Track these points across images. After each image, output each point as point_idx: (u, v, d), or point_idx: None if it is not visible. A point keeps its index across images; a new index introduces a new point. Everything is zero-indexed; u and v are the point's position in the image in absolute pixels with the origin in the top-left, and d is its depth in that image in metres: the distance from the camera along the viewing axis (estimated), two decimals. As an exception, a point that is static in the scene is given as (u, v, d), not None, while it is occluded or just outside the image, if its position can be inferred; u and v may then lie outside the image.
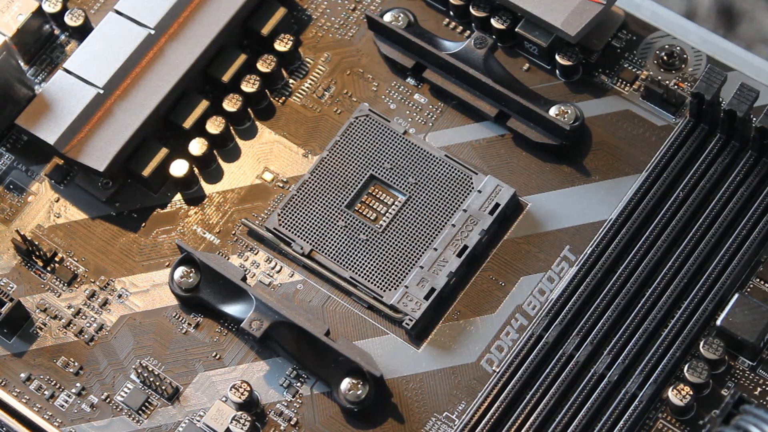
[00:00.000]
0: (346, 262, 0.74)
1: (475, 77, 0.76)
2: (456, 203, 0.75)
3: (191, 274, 0.74)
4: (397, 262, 0.74)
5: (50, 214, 0.78)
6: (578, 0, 0.76)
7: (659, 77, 0.78)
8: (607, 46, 0.79)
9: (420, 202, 0.75)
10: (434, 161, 0.76)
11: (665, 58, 0.78)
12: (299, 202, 0.76)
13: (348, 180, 0.76)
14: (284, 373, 0.73)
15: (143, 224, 0.78)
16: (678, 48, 0.78)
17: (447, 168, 0.76)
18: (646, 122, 0.77)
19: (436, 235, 0.74)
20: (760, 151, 0.73)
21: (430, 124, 0.78)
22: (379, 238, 0.75)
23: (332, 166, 0.77)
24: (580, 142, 0.77)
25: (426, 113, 0.79)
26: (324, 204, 0.76)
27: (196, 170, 0.79)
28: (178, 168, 0.77)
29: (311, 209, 0.76)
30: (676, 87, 0.77)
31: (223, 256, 0.76)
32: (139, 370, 0.73)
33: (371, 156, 0.77)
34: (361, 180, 0.76)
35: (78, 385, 0.74)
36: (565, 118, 0.76)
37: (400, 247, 0.74)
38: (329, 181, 0.76)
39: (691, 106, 0.74)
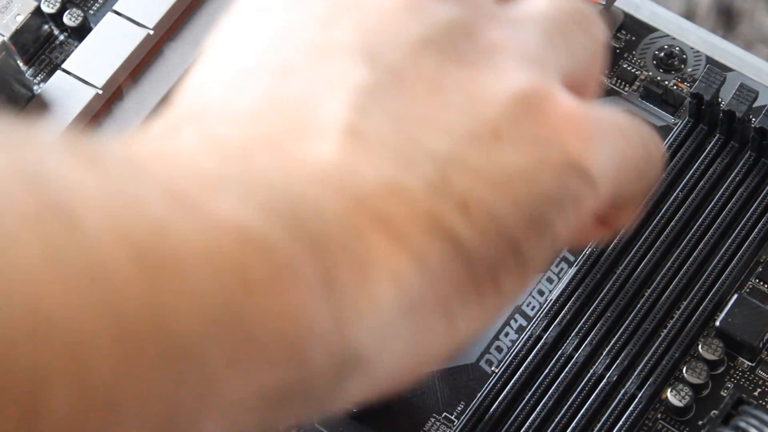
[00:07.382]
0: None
1: (474, 77, 0.76)
2: (455, 204, 0.75)
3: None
4: (395, 263, 0.74)
5: (49, 214, 0.78)
6: (577, 0, 0.75)
7: (658, 77, 0.78)
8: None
9: (419, 203, 0.75)
10: (433, 162, 0.76)
11: (664, 58, 0.78)
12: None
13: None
14: (283, 374, 0.73)
15: (142, 225, 0.77)
16: (677, 48, 0.78)
17: (446, 168, 0.76)
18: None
19: (435, 235, 0.74)
20: (759, 151, 0.73)
21: (429, 125, 0.78)
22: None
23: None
24: (579, 143, 0.77)
25: (425, 113, 0.78)
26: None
27: (195, 171, 0.78)
28: (177, 168, 0.77)
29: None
30: (675, 87, 0.77)
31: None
32: (138, 371, 0.73)
33: (370, 156, 0.76)
34: (360, 180, 0.76)
35: (77, 385, 0.74)
36: (564, 119, 0.76)
37: (398, 247, 0.74)
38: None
39: (690, 107, 0.74)
